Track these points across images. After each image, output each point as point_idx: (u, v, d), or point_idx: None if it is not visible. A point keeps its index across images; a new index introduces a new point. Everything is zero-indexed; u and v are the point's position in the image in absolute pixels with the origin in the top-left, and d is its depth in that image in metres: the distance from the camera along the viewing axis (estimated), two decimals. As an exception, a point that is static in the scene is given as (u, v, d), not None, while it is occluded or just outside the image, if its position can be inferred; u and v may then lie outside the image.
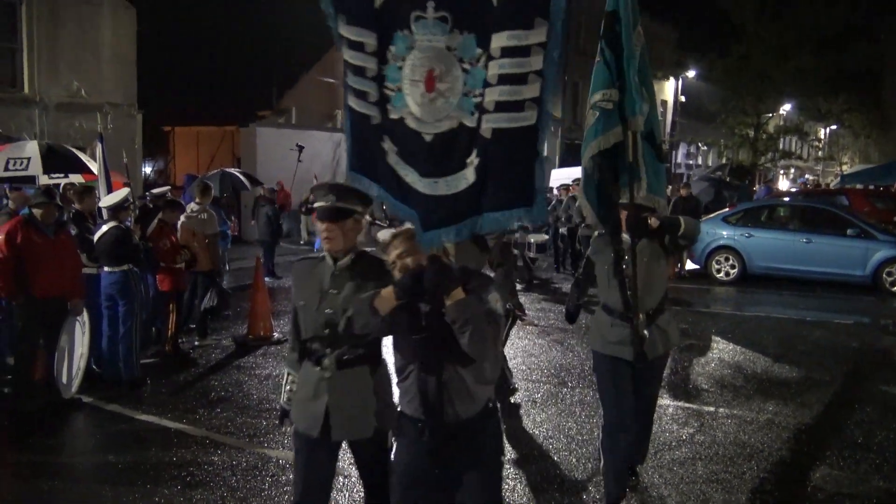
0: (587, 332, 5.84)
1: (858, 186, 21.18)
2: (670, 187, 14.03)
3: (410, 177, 2.61)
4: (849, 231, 12.32)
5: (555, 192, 15.37)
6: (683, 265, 13.99)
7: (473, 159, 2.50)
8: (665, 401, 6.27)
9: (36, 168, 8.86)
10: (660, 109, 44.06)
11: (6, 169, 8.77)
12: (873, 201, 16.10)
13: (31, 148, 9.23)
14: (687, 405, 6.23)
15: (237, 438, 5.40)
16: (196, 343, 8.17)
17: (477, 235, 4.63)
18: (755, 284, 12.76)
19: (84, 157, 9.56)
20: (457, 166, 2.52)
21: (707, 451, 5.19)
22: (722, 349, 8.28)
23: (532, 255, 13.39)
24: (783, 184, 41.56)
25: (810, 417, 5.98)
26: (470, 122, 2.50)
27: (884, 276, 11.83)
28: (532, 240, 13.13)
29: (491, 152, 2.47)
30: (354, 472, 3.87)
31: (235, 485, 4.59)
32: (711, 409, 6.15)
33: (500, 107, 2.43)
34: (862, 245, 12.06)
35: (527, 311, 10.08)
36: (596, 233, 4.43)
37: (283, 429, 4.88)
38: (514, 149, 2.46)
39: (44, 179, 8.84)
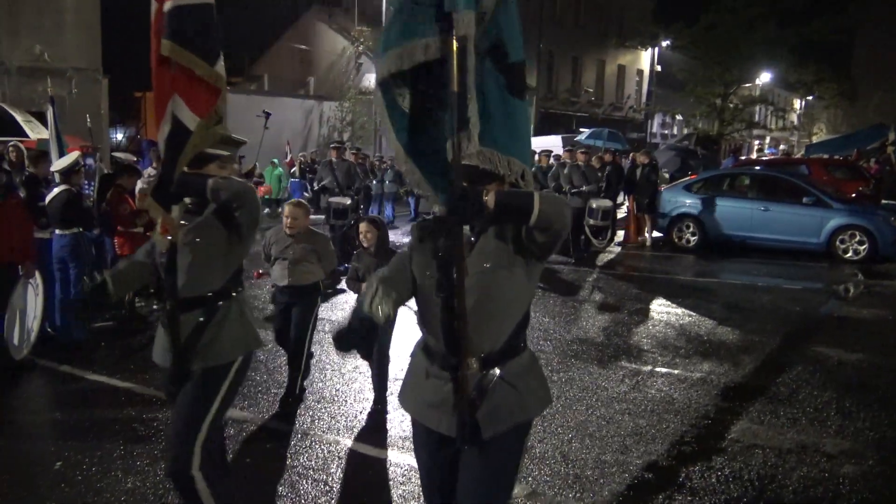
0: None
1: (825, 157, 21.49)
2: (634, 153, 13.59)
3: None
4: (805, 199, 12.55)
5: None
6: (651, 233, 14.04)
7: None
8: (605, 362, 6.51)
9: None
10: (635, 79, 44.07)
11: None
12: (832, 171, 16.37)
13: None
14: (626, 365, 6.45)
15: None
16: (154, 306, 8.26)
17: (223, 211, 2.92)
18: (715, 252, 13.02)
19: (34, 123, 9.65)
20: None
21: (637, 407, 5.42)
22: (670, 313, 8.52)
23: None
24: (756, 154, 41.96)
25: (741, 376, 6.23)
26: None
27: (837, 243, 12.12)
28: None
29: None
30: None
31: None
32: (649, 368, 6.38)
33: None
34: (817, 213, 12.32)
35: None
36: (434, 210, 2.58)
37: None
38: None
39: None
